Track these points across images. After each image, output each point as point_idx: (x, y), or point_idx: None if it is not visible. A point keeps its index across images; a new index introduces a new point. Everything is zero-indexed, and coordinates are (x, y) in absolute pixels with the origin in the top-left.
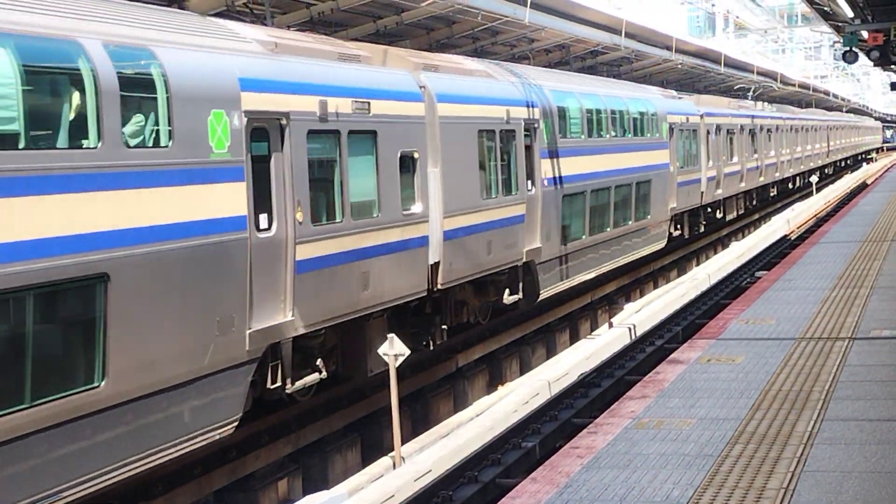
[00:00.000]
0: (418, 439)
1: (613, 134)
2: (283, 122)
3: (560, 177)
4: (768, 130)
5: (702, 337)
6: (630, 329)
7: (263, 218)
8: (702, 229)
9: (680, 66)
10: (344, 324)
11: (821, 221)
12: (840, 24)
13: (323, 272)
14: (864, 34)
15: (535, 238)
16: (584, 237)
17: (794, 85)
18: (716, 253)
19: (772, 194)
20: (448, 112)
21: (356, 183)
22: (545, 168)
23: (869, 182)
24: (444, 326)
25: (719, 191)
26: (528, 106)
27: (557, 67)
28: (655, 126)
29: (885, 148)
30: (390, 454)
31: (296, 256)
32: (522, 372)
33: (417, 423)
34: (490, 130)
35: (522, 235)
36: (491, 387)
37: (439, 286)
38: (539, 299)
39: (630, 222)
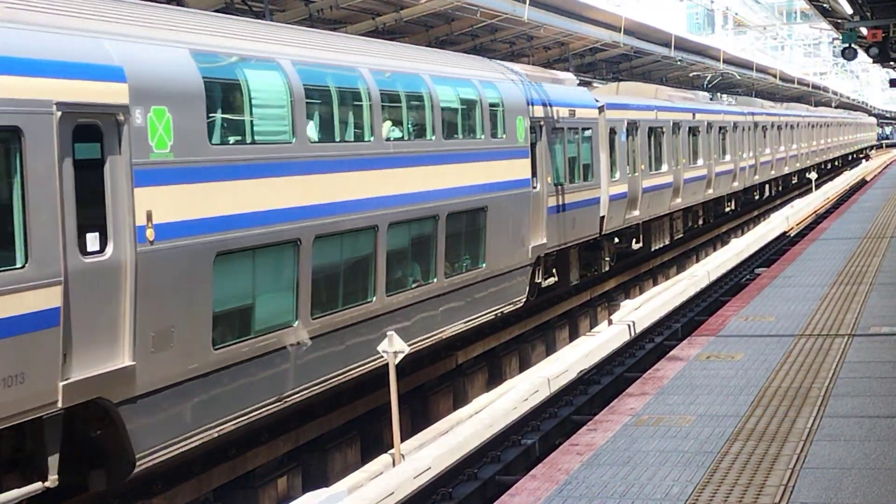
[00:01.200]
0: (418, 436)
1: (398, 135)
2: None
3: (216, 218)
4: (721, 129)
5: (701, 334)
6: (629, 326)
7: None
8: (605, 268)
9: (679, 63)
10: None
11: (820, 218)
12: (839, 20)
13: None
14: (864, 31)
15: (112, 354)
16: (295, 323)
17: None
18: (715, 250)
19: (728, 209)
20: None
21: None
22: (158, 204)
23: (868, 179)
24: None
25: (635, 212)
26: (87, 78)
27: (556, 65)
28: (500, 122)
29: (883, 145)
30: (390, 451)
31: None
32: (522, 369)
33: (417, 420)
34: None
35: (54, 356)
36: (490, 384)
37: None
38: (138, 469)
39: (435, 280)
